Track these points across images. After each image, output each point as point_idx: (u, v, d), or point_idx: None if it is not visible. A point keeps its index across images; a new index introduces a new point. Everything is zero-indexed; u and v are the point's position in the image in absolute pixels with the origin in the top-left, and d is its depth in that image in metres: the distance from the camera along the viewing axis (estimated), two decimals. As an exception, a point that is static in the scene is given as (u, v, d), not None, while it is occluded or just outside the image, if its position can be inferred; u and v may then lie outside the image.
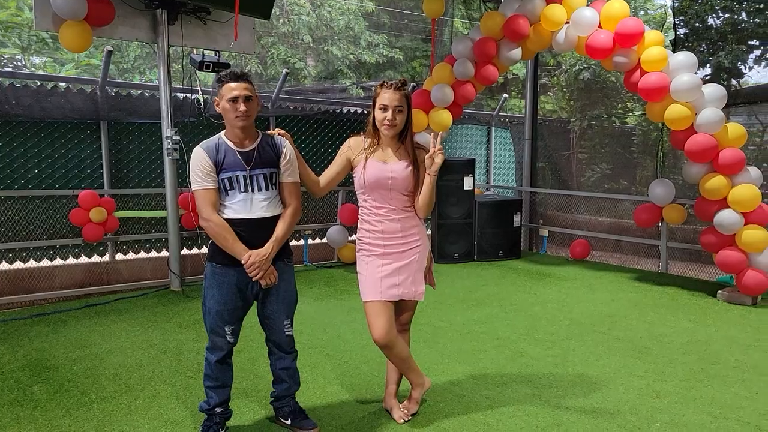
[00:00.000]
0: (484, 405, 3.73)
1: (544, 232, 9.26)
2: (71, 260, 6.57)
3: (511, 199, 9.11)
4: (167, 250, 6.82)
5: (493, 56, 7.15)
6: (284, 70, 7.69)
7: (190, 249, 7.21)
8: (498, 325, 5.40)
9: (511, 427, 3.45)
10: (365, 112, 8.48)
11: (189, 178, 3.15)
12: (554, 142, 10.38)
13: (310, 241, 8.18)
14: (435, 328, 5.27)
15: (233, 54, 7.67)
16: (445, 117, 7.27)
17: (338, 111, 8.51)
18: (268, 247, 3.08)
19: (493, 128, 10.60)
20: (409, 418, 3.51)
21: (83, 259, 6.64)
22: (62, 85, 6.54)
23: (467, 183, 8.20)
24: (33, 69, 15.52)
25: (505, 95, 10.88)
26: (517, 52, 7.13)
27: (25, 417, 3.54)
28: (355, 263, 3.50)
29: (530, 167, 9.57)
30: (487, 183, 10.53)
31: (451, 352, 4.68)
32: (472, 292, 6.60)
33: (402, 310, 3.44)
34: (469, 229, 8.35)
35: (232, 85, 3.05)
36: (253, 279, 3.08)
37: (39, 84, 6.44)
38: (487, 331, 5.22)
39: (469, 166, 8.27)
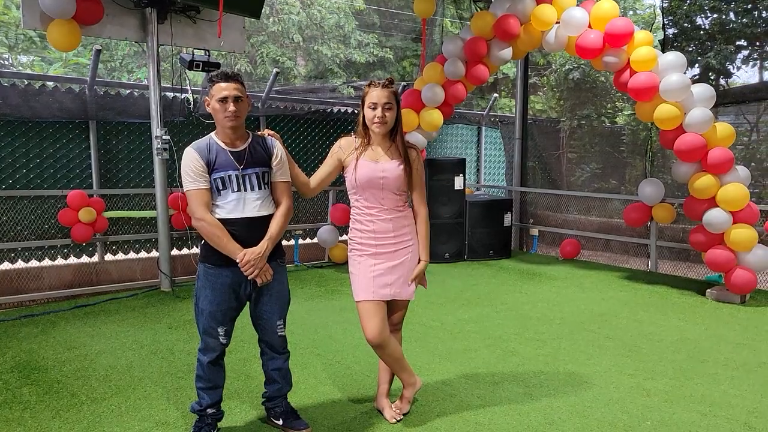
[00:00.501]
0: (476, 404, 3.73)
1: (535, 232, 9.29)
2: (60, 261, 6.52)
3: (501, 198, 9.14)
4: (157, 251, 6.79)
5: (483, 56, 7.16)
6: (274, 70, 7.67)
7: (180, 249, 7.18)
8: (489, 325, 5.41)
9: (503, 426, 3.46)
10: (355, 111, 8.48)
11: (179, 178, 3.13)
12: (544, 142, 10.42)
13: (300, 241, 8.17)
14: (426, 328, 5.27)
15: (223, 53, 7.65)
16: (436, 117, 7.28)
17: (328, 110, 8.51)
18: (263, 245, 3.07)
19: (483, 128, 10.62)
20: (401, 417, 3.51)
21: (72, 260, 6.60)
22: (50, 84, 6.50)
23: (458, 183, 8.21)
24: (20, 68, 15.41)
25: (496, 95, 10.91)
26: (507, 52, 7.14)
27: (14, 419, 3.52)
28: (345, 263, 3.50)
29: (520, 167, 9.59)
30: (477, 183, 10.55)
31: (442, 351, 4.68)
32: (463, 292, 6.61)
33: (394, 309, 3.44)
34: (460, 229, 8.36)
35: (222, 85, 3.04)
36: (249, 277, 3.07)
37: (27, 83, 6.39)
38: (479, 331, 5.22)
39: (459, 165, 8.29)
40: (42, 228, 6.34)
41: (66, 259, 6.56)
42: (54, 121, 6.41)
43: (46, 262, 6.44)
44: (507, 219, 8.62)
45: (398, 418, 3.49)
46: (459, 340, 4.98)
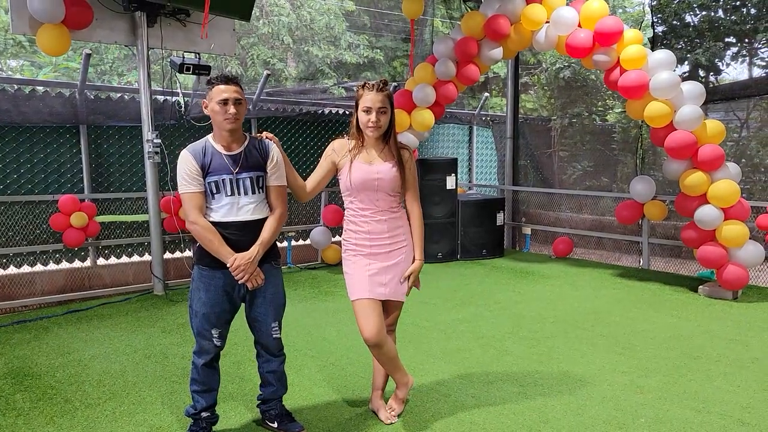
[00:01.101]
0: (471, 404, 3.74)
1: (527, 230, 9.31)
2: (52, 266, 6.49)
3: (493, 197, 9.16)
4: (149, 254, 6.77)
5: (474, 56, 7.17)
6: (265, 72, 7.66)
7: (172, 253, 7.16)
8: (482, 324, 5.42)
9: (498, 425, 3.47)
10: (347, 112, 8.48)
11: (171, 181, 3.13)
12: (536, 141, 10.44)
13: (293, 242, 8.16)
14: (419, 328, 5.27)
15: (213, 56, 7.62)
16: (427, 117, 7.29)
17: (320, 111, 8.50)
18: (254, 250, 3.07)
19: (474, 127, 10.64)
20: (396, 419, 3.51)
21: (64, 265, 6.57)
22: (40, 88, 6.47)
23: (450, 182, 8.23)
24: (10, 72, 15.34)
25: (487, 94, 10.92)
26: (498, 52, 7.16)
27: (8, 426, 3.50)
28: (338, 264, 3.50)
29: (512, 166, 9.62)
30: (469, 182, 10.57)
31: (436, 351, 4.69)
32: (456, 292, 6.62)
33: (388, 311, 3.43)
34: (453, 229, 8.37)
35: (222, 87, 3.05)
36: (239, 282, 3.08)
37: (16, 88, 6.36)
38: (472, 330, 5.23)
39: (451, 165, 8.30)
40: (34, 233, 6.31)
41: (58, 264, 6.53)
42: (44, 126, 6.38)
43: (38, 267, 6.40)
44: (499, 218, 8.64)
45: (393, 420, 3.49)
46: (452, 339, 4.98)
